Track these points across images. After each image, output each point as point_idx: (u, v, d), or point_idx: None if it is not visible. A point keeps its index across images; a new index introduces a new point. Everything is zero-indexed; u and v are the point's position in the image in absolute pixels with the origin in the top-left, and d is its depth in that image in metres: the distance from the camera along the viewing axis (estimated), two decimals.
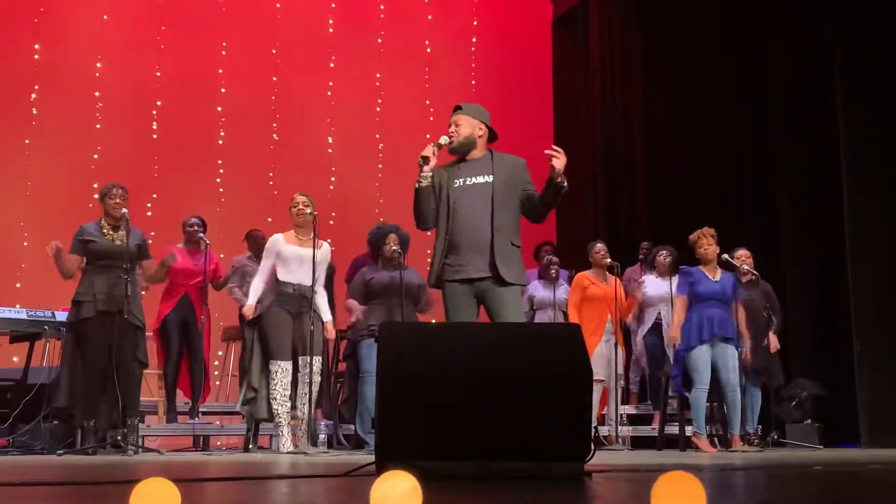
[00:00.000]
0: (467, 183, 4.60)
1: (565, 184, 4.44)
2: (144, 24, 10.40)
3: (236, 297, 7.60)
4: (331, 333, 6.53)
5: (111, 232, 6.12)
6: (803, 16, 8.72)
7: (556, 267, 8.11)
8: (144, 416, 7.34)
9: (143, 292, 6.56)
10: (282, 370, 6.17)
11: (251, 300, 6.35)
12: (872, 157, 7.75)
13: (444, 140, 4.62)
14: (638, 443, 8.06)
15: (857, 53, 7.88)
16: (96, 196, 6.44)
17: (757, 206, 9.27)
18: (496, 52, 11.85)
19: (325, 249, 6.43)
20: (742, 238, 7.88)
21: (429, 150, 4.54)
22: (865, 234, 7.70)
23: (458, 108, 4.74)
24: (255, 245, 7.97)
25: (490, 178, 4.59)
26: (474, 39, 11.97)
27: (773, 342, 7.40)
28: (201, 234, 7.44)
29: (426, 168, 4.54)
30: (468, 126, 4.66)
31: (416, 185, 4.56)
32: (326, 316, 6.46)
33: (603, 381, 7.59)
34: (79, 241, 6.11)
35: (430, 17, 11.76)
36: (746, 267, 7.27)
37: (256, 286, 6.36)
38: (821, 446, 7.42)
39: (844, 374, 7.79)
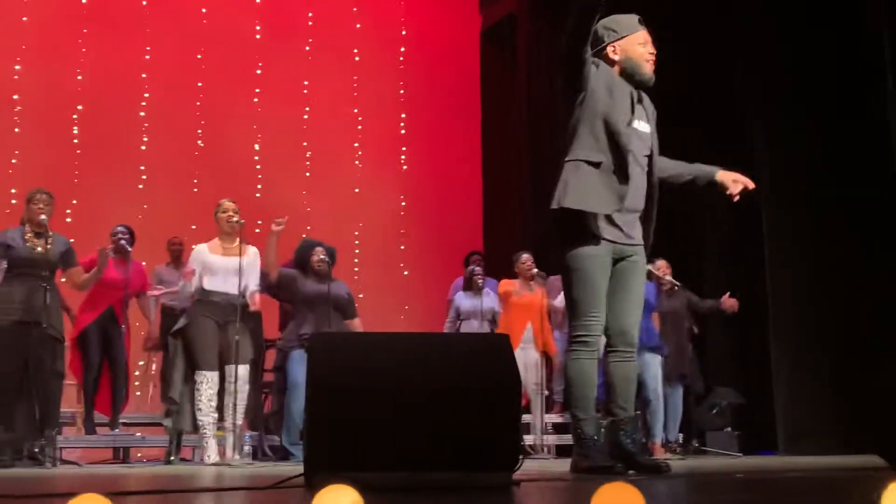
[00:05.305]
0: (634, 126, 3.95)
1: None
2: (66, 27, 10.17)
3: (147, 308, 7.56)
4: (256, 304, 6.26)
5: (34, 239, 5.95)
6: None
7: (479, 277, 8.02)
8: (62, 427, 7.15)
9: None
10: (207, 380, 6.00)
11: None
12: (789, 169, 7.95)
13: None
14: (563, 451, 8.14)
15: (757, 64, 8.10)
16: (14, 202, 6.28)
17: (678, 216, 9.43)
18: (425, 62, 11.86)
19: (252, 253, 6.24)
20: (664, 247, 7.99)
21: None
22: (783, 243, 7.90)
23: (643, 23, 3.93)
24: (174, 253, 7.89)
25: (649, 129, 3.99)
26: (403, 49, 11.97)
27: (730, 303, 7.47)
28: (123, 242, 7.24)
29: None
30: None
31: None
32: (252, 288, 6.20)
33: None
34: None
35: (358, 26, 11.73)
36: (669, 278, 7.40)
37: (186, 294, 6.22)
38: (740, 454, 7.59)
39: (762, 381, 7.98)
